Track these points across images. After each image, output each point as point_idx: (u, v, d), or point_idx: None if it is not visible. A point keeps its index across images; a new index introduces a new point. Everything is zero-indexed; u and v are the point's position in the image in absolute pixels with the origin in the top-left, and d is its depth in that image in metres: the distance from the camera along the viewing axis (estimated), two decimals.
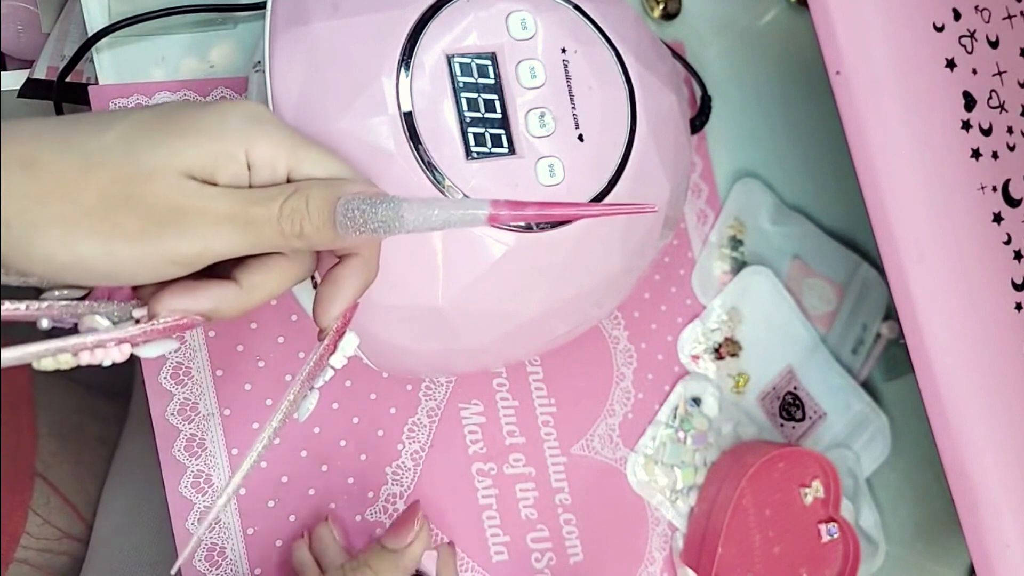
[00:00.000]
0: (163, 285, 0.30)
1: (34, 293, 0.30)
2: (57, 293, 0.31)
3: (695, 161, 0.58)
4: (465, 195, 0.37)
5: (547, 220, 0.32)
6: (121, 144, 0.28)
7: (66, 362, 0.29)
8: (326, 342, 0.33)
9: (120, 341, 0.30)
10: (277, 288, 0.32)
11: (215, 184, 0.29)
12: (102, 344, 0.29)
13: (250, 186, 0.30)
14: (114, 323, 0.30)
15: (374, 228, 0.30)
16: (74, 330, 0.30)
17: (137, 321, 0.30)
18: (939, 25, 0.43)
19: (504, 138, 0.38)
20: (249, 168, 0.29)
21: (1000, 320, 0.44)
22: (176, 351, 0.45)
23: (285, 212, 0.29)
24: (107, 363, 0.30)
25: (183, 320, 0.30)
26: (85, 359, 0.29)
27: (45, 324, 0.30)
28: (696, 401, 0.56)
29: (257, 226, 0.29)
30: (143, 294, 0.31)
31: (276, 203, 0.29)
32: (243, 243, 0.29)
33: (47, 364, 0.28)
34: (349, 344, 0.34)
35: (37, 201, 0.27)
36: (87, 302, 0.30)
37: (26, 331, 0.30)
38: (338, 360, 0.34)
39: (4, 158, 0.27)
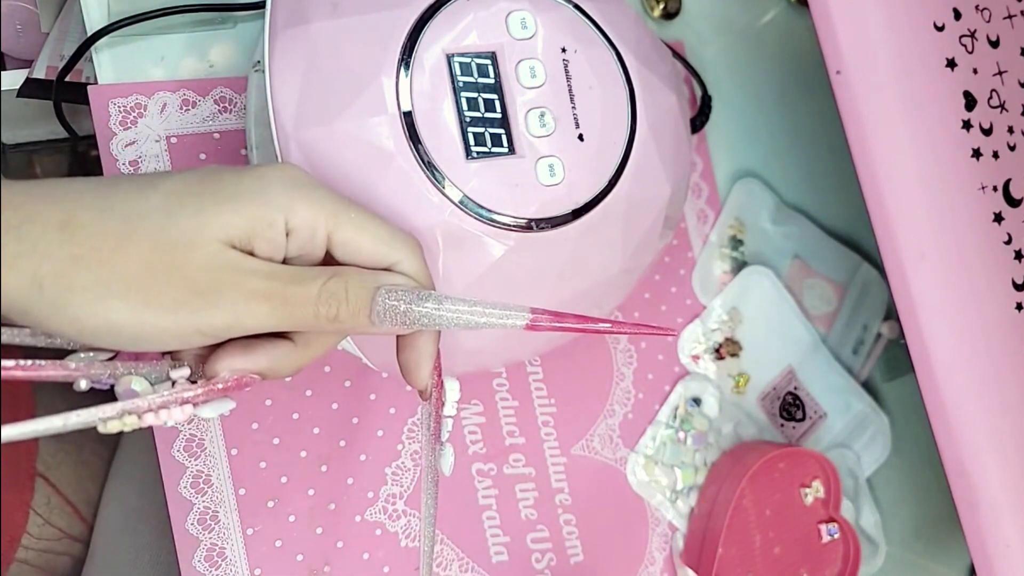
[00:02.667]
0: (213, 347, 0.30)
1: (58, 355, 0.30)
2: (83, 355, 0.30)
3: (695, 161, 0.58)
4: (465, 195, 0.37)
5: (583, 332, 0.33)
6: (162, 209, 0.28)
7: (132, 424, 0.28)
8: (433, 399, 0.34)
9: (183, 402, 0.29)
10: (331, 344, 0.32)
11: (252, 252, 0.29)
12: (165, 405, 0.29)
13: (286, 257, 0.30)
14: (151, 384, 0.30)
15: (412, 323, 0.30)
16: (111, 391, 0.30)
17: (174, 382, 0.30)
18: (939, 25, 0.43)
19: (504, 138, 0.38)
20: (288, 233, 0.29)
21: (1000, 320, 0.43)
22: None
23: (324, 294, 0.29)
24: (170, 423, 0.29)
25: (242, 379, 0.30)
26: (149, 420, 0.29)
27: (83, 385, 0.29)
28: (696, 401, 0.56)
29: (292, 305, 0.29)
30: (183, 355, 0.31)
31: (315, 284, 0.29)
32: (275, 320, 0.29)
33: (113, 427, 0.28)
34: (452, 390, 0.35)
35: (74, 263, 0.26)
36: (122, 363, 0.30)
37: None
38: (450, 409, 0.35)
39: (43, 217, 0.26)
